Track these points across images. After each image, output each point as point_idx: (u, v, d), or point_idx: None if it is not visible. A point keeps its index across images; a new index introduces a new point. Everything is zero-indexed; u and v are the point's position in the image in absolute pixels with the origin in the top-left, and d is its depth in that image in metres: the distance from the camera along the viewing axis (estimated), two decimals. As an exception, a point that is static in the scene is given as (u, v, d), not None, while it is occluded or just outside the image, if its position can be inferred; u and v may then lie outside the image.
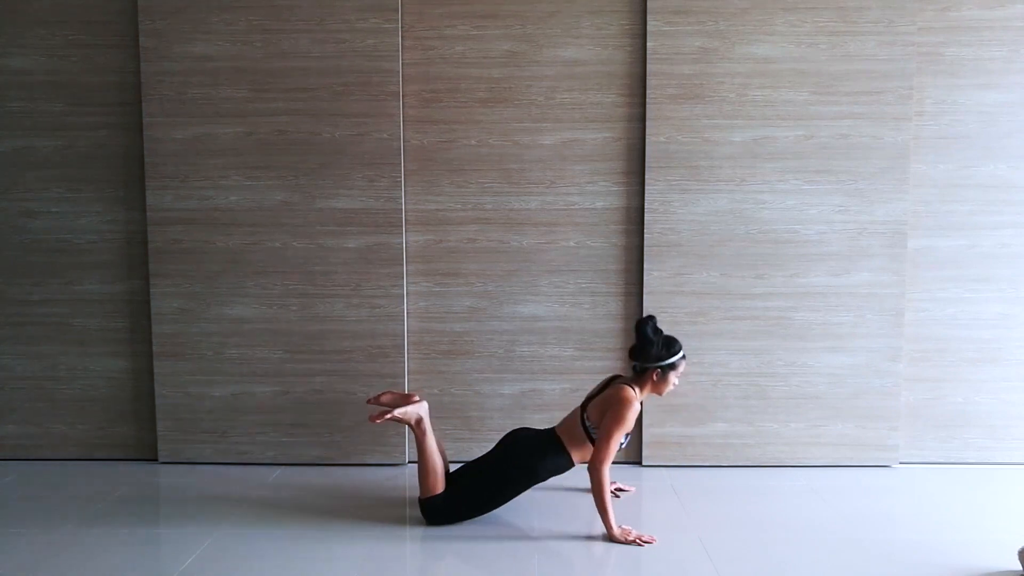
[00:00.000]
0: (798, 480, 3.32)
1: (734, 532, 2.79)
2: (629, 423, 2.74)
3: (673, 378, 2.83)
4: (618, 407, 2.73)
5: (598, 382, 3.05)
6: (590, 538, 2.73)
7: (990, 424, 3.54)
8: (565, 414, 3.05)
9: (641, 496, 3.17)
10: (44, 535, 2.76)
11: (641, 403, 2.86)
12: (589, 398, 2.89)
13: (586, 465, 2.78)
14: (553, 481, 3.14)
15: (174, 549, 2.64)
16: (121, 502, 3.10)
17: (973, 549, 2.64)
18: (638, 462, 3.52)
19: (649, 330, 2.81)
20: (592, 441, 2.78)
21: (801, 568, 2.50)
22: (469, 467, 2.93)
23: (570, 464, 2.86)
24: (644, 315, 3.15)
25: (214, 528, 2.81)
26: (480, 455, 3.00)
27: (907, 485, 3.29)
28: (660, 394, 2.88)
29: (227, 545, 2.67)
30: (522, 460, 2.82)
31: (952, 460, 3.55)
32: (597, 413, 2.79)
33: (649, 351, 2.80)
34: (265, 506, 3.02)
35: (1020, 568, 2.47)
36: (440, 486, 2.83)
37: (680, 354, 2.82)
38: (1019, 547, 2.50)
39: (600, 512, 2.72)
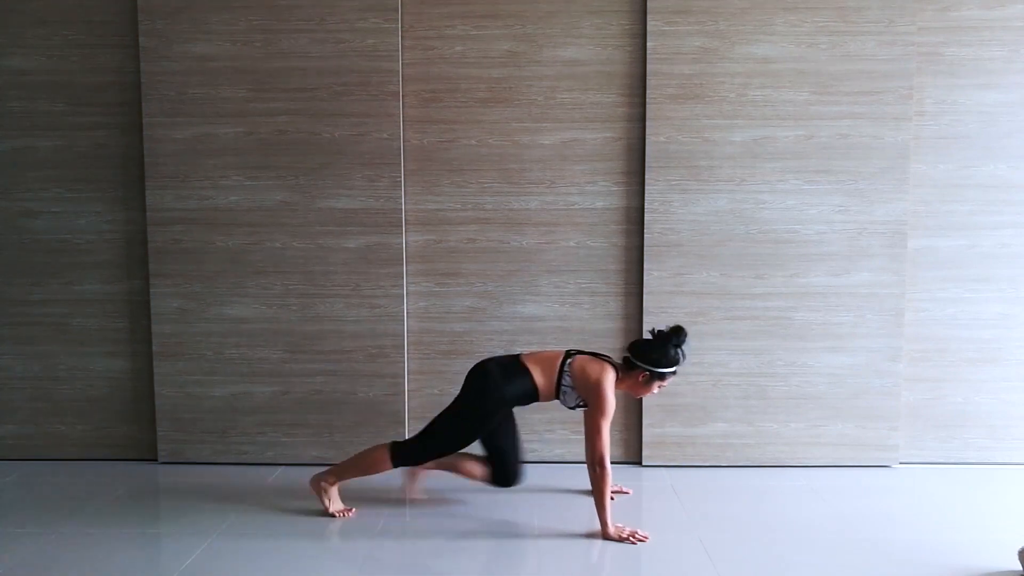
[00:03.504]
0: (798, 480, 3.32)
1: (734, 532, 2.79)
2: (611, 404, 2.73)
3: (655, 388, 2.82)
4: (597, 396, 2.72)
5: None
6: (589, 538, 2.73)
7: (990, 424, 3.54)
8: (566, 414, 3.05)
9: (641, 496, 3.17)
10: (44, 535, 2.76)
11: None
12: (577, 351, 2.86)
13: (547, 401, 2.85)
14: (553, 481, 3.15)
15: (174, 549, 2.64)
16: (121, 502, 3.10)
17: (973, 549, 2.64)
18: (638, 462, 3.52)
19: (673, 337, 2.77)
20: (559, 387, 2.79)
21: (801, 568, 2.50)
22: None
23: (535, 390, 2.80)
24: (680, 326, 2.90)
25: (214, 528, 2.81)
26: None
27: (907, 485, 3.28)
28: (636, 395, 2.90)
29: (227, 545, 2.67)
30: (489, 386, 2.79)
31: (952, 460, 3.55)
32: (579, 369, 2.77)
33: (649, 351, 2.77)
34: (265, 506, 3.02)
35: (1020, 568, 2.47)
36: (476, 470, 2.99)
37: (673, 369, 2.79)
38: (1019, 547, 2.50)
39: (598, 508, 2.72)
